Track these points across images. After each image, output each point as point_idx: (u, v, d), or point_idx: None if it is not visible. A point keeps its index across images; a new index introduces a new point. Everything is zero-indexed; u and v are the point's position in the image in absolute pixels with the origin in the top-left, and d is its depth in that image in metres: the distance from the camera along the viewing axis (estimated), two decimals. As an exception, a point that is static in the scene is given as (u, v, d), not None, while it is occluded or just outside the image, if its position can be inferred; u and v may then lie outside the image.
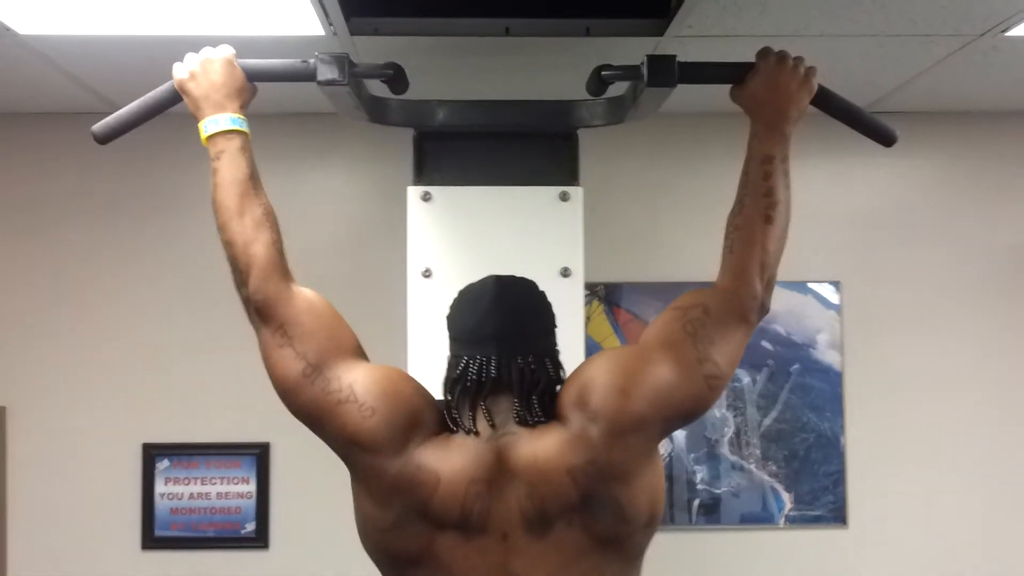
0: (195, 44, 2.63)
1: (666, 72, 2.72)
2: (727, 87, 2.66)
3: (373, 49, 3.61)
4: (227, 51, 2.60)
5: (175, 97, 2.64)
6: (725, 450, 4.88)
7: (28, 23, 3.51)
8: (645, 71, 2.73)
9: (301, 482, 4.68)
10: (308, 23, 3.42)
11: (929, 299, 4.95)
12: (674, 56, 2.73)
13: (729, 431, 4.88)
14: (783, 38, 2.93)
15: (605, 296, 4.83)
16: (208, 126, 2.52)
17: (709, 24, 3.44)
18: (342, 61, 2.71)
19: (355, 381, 2.34)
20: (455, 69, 3.96)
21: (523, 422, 2.30)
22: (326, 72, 2.71)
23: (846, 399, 4.91)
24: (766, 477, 4.88)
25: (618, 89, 3.04)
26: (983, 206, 4.98)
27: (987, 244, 4.96)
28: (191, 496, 4.80)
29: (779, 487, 4.89)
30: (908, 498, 4.91)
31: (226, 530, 4.81)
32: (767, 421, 4.88)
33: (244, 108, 2.59)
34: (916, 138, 4.85)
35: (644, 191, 4.88)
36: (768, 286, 2.46)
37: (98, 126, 2.70)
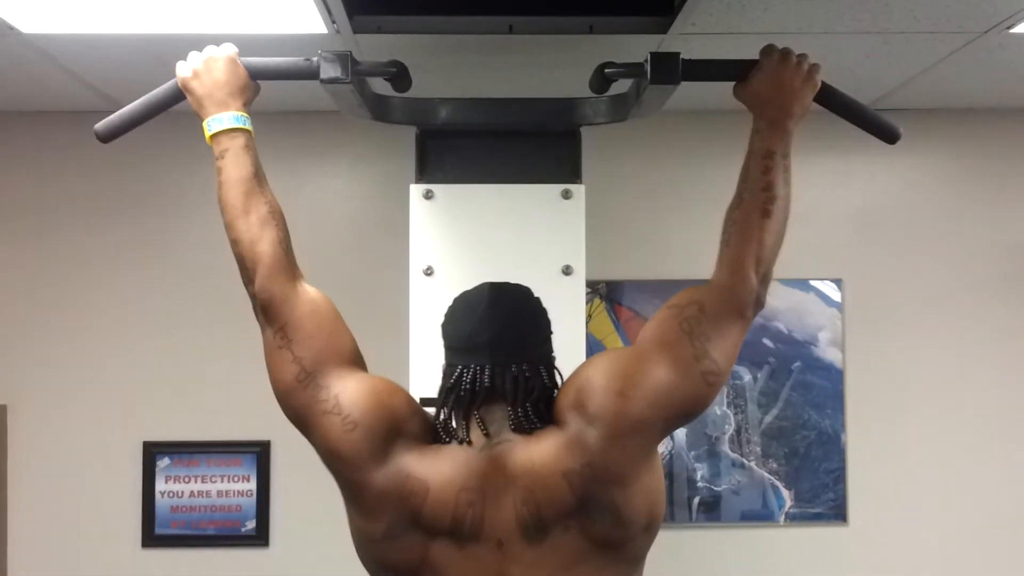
0: (198, 42, 2.63)
1: (669, 69, 2.72)
2: (730, 84, 2.65)
3: (376, 47, 3.61)
4: (230, 49, 2.60)
5: (178, 95, 2.64)
6: (726, 447, 4.88)
7: (31, 22, 3.50)
8: (648, 68, 2.73)
9: (301, 480, 4.67)
10: (311, 21, 3.41)
11: (931, 297, 4.95)
12: (678, 53, 2.72)
13: (730, 428, 4.88)
14: (787, 35, 2.93)
15: (607, 294, 4.83)
16: (212, 124, 2.52)
17: (713, 22, 3.43)
18: (345, 59, 2.71)
19: (341, 392, 2.33)
20: (458, 67, 3.96)
21: (519, 430, 2.30)
22: (329, 70, 2.71)
23: (847, 397, 4.91)
24: (767, 475, 4.88)
25: (621, 87, 3.04)
26: (986, 204, 4.98)
27: (990, 242, 4.97)
28: (191, 494, 4.80)
29: (780, 484, 4.88)
30: (909, 496, 4.91)
31: (226, 528, 4.81)
32: (768, 419, 4.88)
33: (247, 106, 2.59)
34: (920, 135, 4.85)
35: (647, 189, 4.88)
36: (764, 280, 2.45)
37: (101, 124, 2.69)
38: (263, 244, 2.43)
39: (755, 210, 2.44)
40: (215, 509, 4.80)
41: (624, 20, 3.49)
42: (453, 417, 2.34)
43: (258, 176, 2.50)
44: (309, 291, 2.48)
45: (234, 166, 2.48)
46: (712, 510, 4.89)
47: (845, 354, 4.92)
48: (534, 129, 3.33)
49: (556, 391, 2.39)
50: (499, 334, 2.33)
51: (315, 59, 2.71)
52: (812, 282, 4.90)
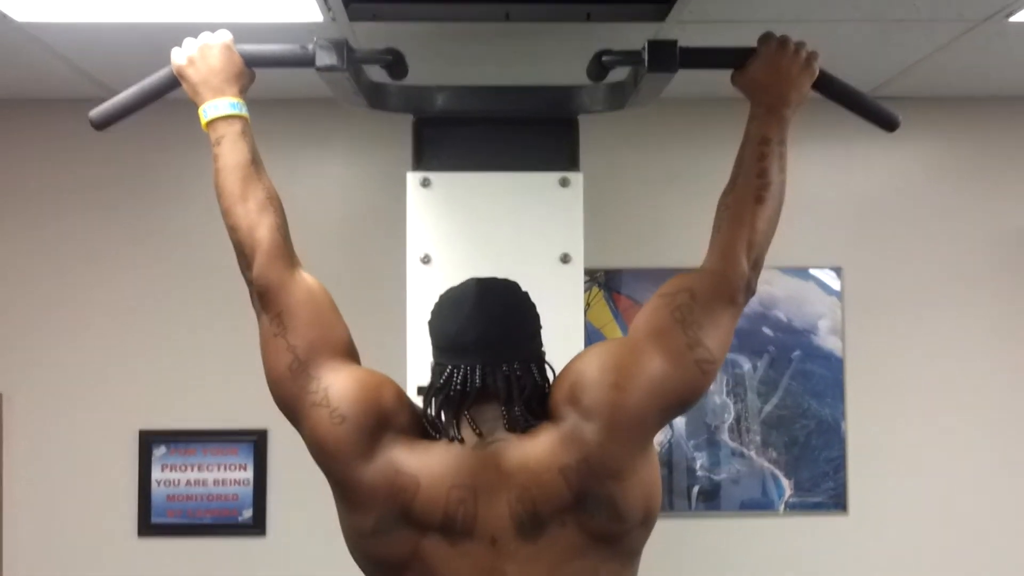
0: (193, 30, 2.62)
1: (667, 57, 2.71)
2: (728, 72, 2.64)
3: (372, 35, 3.60)
4: (225, 36, 2.59)
5: (173, 82, 2.63)
6: (725, 436, 4.87)
7: (25, 10, 3.50)
8: (646, 56, 2.72)
9: (299, 469, 4.58)
10: (307, 9, 3.40)
11: (931, 285, 4.94)
12: (675, 41, 2.71)
13: (729, 417, 4.87)
14: (785, 23, 2.92)
15: (605, 282, 4.82)
16: (208, 111, 2.52)
17: (710, 9, 3.42)
18: (341, 47, 2.70)
19: (331, 385, 2.32)
20: (455, 55, 3.96)
21: (512, 428, 2.27)
22: (325, 58, 2.69)
23: (847, 385, 4.91)
24: (766, 463, 4.88)
25: (619, 75, 3.02)
26: (985, 192, 4.97)
27: (989, 230, 4.95)
28: (188, 483, 4.79)
29: (779, 473, 4.88)
30: (908, 485, 4.91)
31: (223, 517, 4.80)
32: (767, 407, 4.87)
33: (243, 93, 2.59)
34: (918, 123, 4.83)
35: (645, 177, 4.88)
36: (755, 266, 2.43)
37: (95, 112, 2.69)
38: (261, 230, 2.43)
39: (748, 196, 2.43)
40: (212, 498, 4.79)
41: (621, 8, 3.49)
42: (443, 415, 2.32)
43: (255, 162, 2.50)
44: (307, 279, 2.47)
45: (231, 152, 2.48)
46: (711, 499, 4.88)
47: (845, 343, 4.91)
48: (532, 117, 3.32)
49: (548, 386, 2.37)
50: (488, 333, 2.30)
51: (311, 47, 2.70)
52: (812, 271, 4.89)
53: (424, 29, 3.65)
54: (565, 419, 2.26)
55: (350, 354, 2.45)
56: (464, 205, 3.24)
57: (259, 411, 4.60)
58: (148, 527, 4.80)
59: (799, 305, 4.88)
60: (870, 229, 4.94)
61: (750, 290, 2.44)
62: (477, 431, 2.27)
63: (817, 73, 2.59)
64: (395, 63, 2.87)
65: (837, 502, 4.89)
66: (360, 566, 2.42)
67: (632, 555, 2.39)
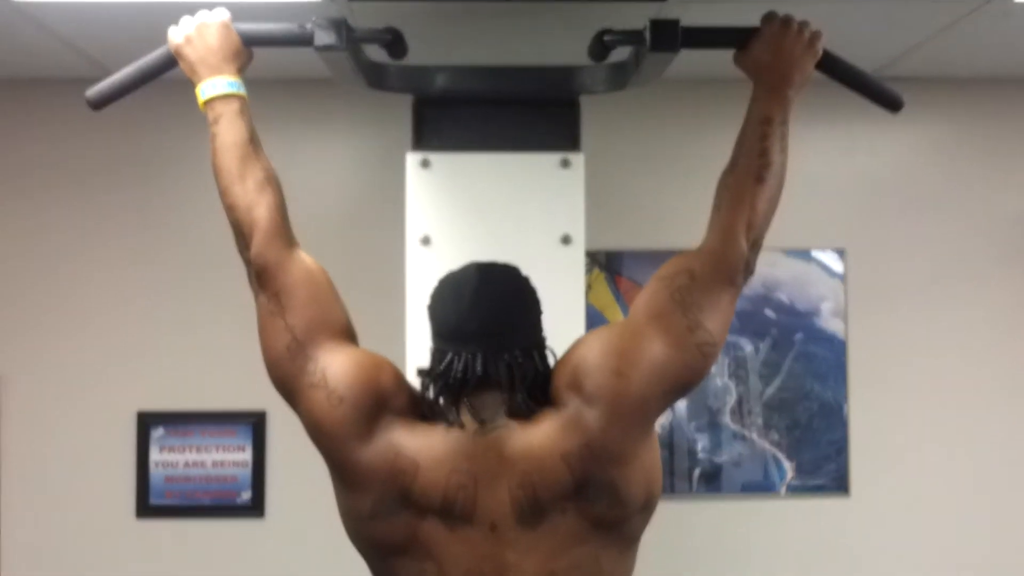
0: (190, 8, 2.60)
1: (669, 37, 2.69)
2: (731, 52, 2.63)
3: (371, 13, 3.57)
4: (223, 15, 2.58)
5: (170, 61, 2.62)
6: (727, 419, 4.87)
7: (20, -13, 3.48)
8: (648, 36, 2.70)
9: (297, 451, 4.56)
10: (305, -13, 3.38)
11: (935, 268, 4.93)
12: (677, 20, 2.69)
13: (731, 400, 4.87)
14: (788, 2, 2.88)
15: (606, 264, 4.81)
16: (205, 90, 2.51)
17: (713, -12, 3.41)
18: (340, 26, 2.68)
19: (328, 366, 2.32)
20: (454, 34, 3.94)
21: (514, 415, 2.28)
22: (324, 37, 2.67)
23: (850, 368, 4.90)
24: (768, 446, 4.87)
25: (620, 55, 3.01)
26: (990, 174, 4.96)
27: (994, 212, 4.94)
28: (186, 464, 4.79)
29: (781, 456, 4.87)
30: (911, 467, 4.91)
31: (222, 499, 4.80)
32: (770, 390, 4.86)
33: (241, 72, 2.58)
34: (923, 104, 4.81)
35: (646, 158, 4.87)
36: (754, 247, 2.44)
37: (92, 91, 2.67)
38: (260, 209, 2.43)
39: (749, 176, 2.43)
40: (210, 480, 4.79)
41: (624, -14, 3.47)
42: (442, 401, 2.31)
43: (253, 141, 2.49)
44: (305, 259, 2.46)
45: (229, 131, 2.47)
46: (713, 481, 4.88)
47: (847, 325, 4.90)
48: (532, 97, 3.30)
49: (550, 372, 2.36)
50: (489, 321, 2.31)
51: (309, 25, 2.68)
52: (814, 252, 4.88)
53: (424, 8, 3.63)
54: (567, 405, 2.26)
55: (348, 335, 2.45)
56: (464, 186, 3.22)
57: (258, 392, 4.54)
58: (146, 509, 4.79)
59: (802, 287, 4.87)
60: (874, 211, 4.93)
61: (749, 270, 2.45)
62: (479, 418, 2.27)
63: (821, 53, 2.58)
64: (394, 42, 2.85)
65: (839, 485, 4.89)
66: (358, 549, 2.43)
67: (631, 541, 2.40)
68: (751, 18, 2.59)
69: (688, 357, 2.31)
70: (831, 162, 4.93)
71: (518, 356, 2.30)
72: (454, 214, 3.21)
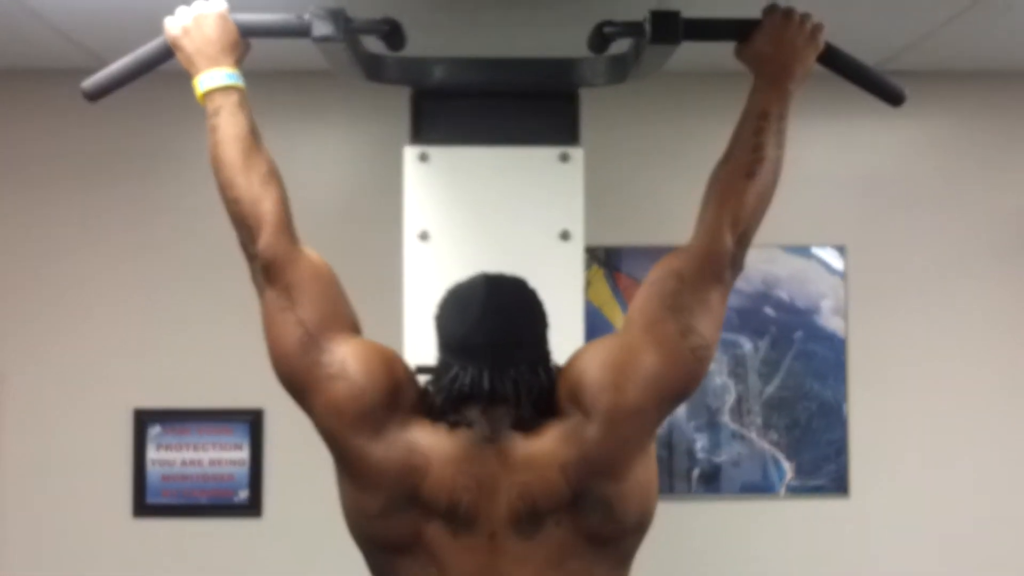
0: (186, -1, 2.59)
1: (670, 28, 2.68)
2: (732, 45, 2.62)
3: (369, 4, 3.53)
4: (220, 5, 2.57)
5: (167, 53, 2.62)
6: (726, 418, 4.86)
7: (16, -22, 3.46)
8: (648, 28, 2.69)
9: (295, 449, 4.62)
10: (303, -22, 3.36)
11: (935, 265, 4.92)
12: (678, 12, 2.68)
13: (730, 399, 4.86)
14: (790, -5, 2.89)
15: (605, 260, 4.80)
16: (204, 82, 2.50)
17: (715, -20, 3.39)
18: (338, 17, 2.67)
19: (348, 357, 2.32)
20: (453, 26, 3.93)
21: (519, 427, 2.28)
22: (321, 28, 2.66)
23: (849, 367, 4.88)
24: (767, 446, 4.86)
25: (620, 47, 2.99)
26: (993, 169, 4.95)
27: (996, 209, 4.93)
28: (183, 463, 4.77)
29: (780, 456, 4.86)
30: (910, 468, 4.90)
31: (219, 497, 4.79)
32: (769, 389, 4.85)
33: (239, 64, 2.57)
34: (925, 98, 4.78)
35: (646, 152, 4.85)
36: (741, 242, 2.42)
37: (88, 82, 2.67)
38: (266, 203, 2.42)
39: (739, 170, 2.42)
40: (207, 478, 4.78)
41: (624, -23, 3.45)
42: (448, 409, 2.31)
43: (255, 134, 2.48)
44: (311, 253, 2.46)
45: (230, 124, 2.46)
46: (712, 482, 4.86)
47: (848, 323, 4.88)
48: (532, 90, 3.29)
49: (553, 385, 2.36)
50: (496, 336, 2.31)
51: (307, 16, 2.67)
52: (814, 249, 4.86)
53: (422, -1, 3.62)
54: (569, 417, 2.28)
55: (356, 328, 2.46)
56: (463, 180, 3.21)
57: (255, 390, 4.60)
58: (143, 507, 4.78)
59: (801, 284, 4.85)
60: (874, 207, 4.92)
61: (737, 266, 2.44)
62: (485, 428, 2.28)
63: (822, 46, 2.58)
64: (393, 34, 2.84)
65: (838, 485, 4.87)
66: (360, 546, 2.43)
67: (624, 559, 2.42)
68: (752, 10, 2.58)
69: (682, 364, 2.31)
70: (831, 157, 4.92)
71: (524, 371, 2.30)
72: (452, 208, 3.20)
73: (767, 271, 4.81)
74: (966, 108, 4.95)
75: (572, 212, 3.20)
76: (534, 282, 2.41)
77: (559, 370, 2.38)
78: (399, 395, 2.31)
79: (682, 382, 2.33)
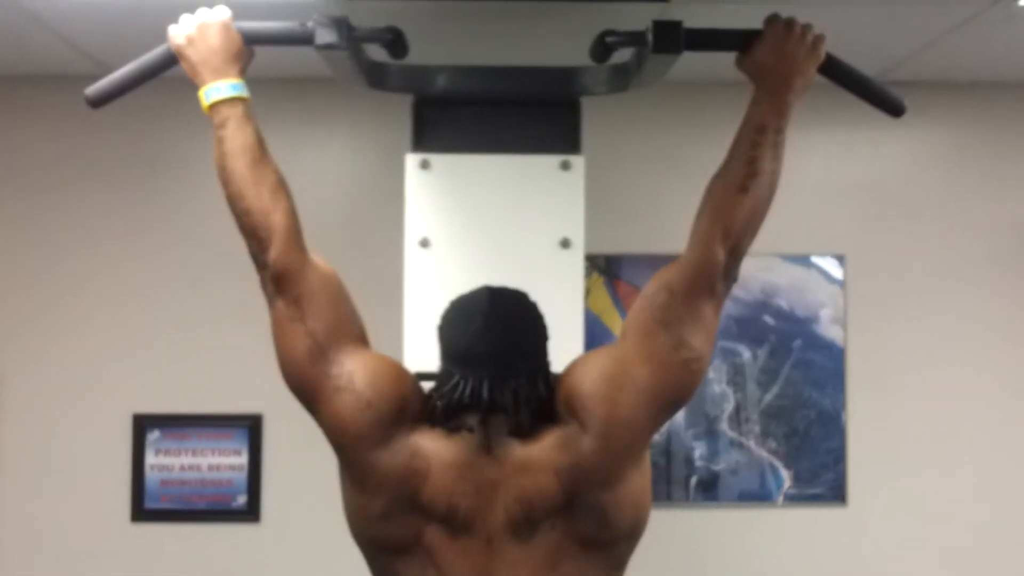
0: (190, 6, 2.58)
1: (671, 38, 2.68)
2: (733, 55, 2.62)
3: (372, 13, 3.55)
4: (223, 14, 2.56)
5: (171, 60, 2.61)
6: (724, 426, 4.86)
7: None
8: (650, 37, 2.69)
9: (294, 455, 4.65)
10: (306, -14, 3.37)
11: (935, 275, 4.93)
12: (680, 22, 2.68)
13: (729, 407, 4.86)
14: (792, 4, 2.87)
15: (605, 268, 4.80)
16: (210, 94, 2.49)
17: (716, -10, 3.40)
18: (341, 25, 2.66)
19: (355, 370, 2.34)
20: (456, 34, 3.94)
21: (516, 435, 2.30)
22: (324, 36, 2.66)
23: (848, 375, 4.89)
24: (765, 454, 4.86)
25: (622, 56, 2.99)
26: (992, 180, 4.96)
27: (995, 218, 4.94)
28: (182, 468, 4.78)
29: (778, 464, 4.87)
30: (909, 477, 4.90)
31: (217, 503, 4.80)
32: (768, 397, 4.85)
33: (243, 73, 2.57)
34: (926, 109, 4.80)
35: (647, 161, 4.86)
36: (733, 254, 2.42)
37: (91, 89, 2.66)
38: (277, 214, 2.42)
39: (733, 184, 2.42)
40: (206, 483, 4.78)
41: (626, -13, 3.47)
42: (449, 416, 2.33)
43: (262, 145, 2.48)
44: (321, 264, 2.47)
45: (237, 135, 2.45)
46: (710, 490, 4.87)
47: (847, 332, 4.89)
48: (533, 98, 3.29)
49: (553, 393, 2.38)
50: (498, 348, 2.32)
51: (310, 24, 2.66)
52: (814, 258, 4.87)
53: (425, 8, 3.64)
54: (565, 425, 2.31)
55: (365, 340, 2.48)
56: (464, 188, 3.22)
57: (254, 396, 4.61)
58: (141, 512, 4.79)
59: (801, 293, 4.86)
60: (874, 217, 4.93)
61: (729, 278, 2.44)
62: (482, 436, 2.30)
63: (823, 57, 2.57)
64: (395, 42, 2.84)
65: (836, 494, 4.88)
66: (360, 547, 2.45)
67: (618, 564, 2.44)
68: (754, 20, 2.58)
69: (674, 377, 2.33)
70: (832, 167, 4.93)
71: (523, 382, 2.32)
72: (453, 216, 3.20)
73: (766, 280, 4.82)
74: (965, 119, 4.96)
75: (572, 220, 3.20)
76: (534, 290, 2.42)
77: (557, 378, 2.39)
78: (404, 408, 2.32)
79: (675, 394, 2.36)
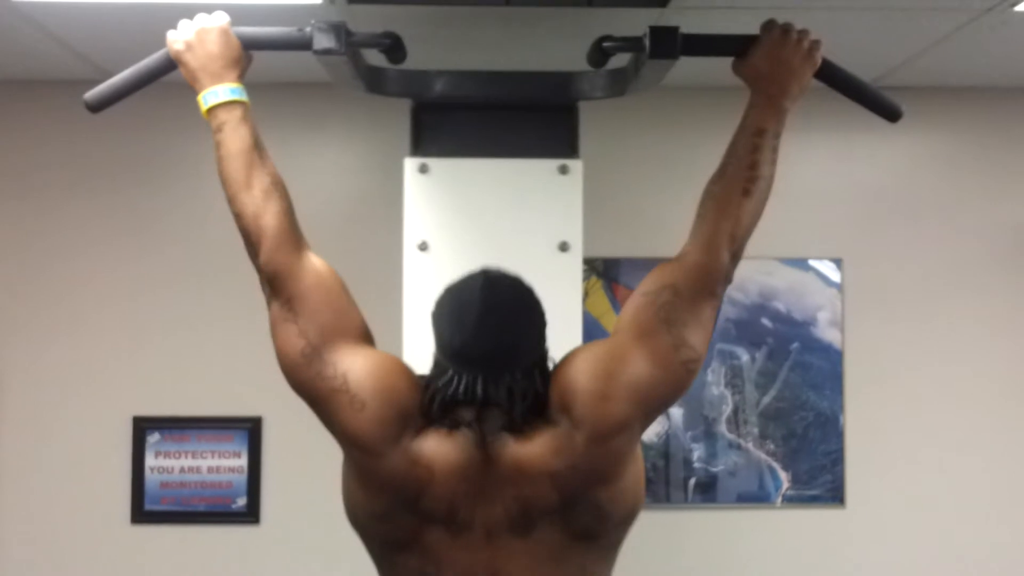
0: (189, 11, 2.60)
1: (668, 44, 2.69)
2: (730, 60, 2.63)
3: (370, 18, 3.57)
4: (222, 19, 2.57)
5: (169, 65, 2.62)
6: (723, 428, 4.86)
7: (20, -11, 3.47)
8: (647, 43, 2.70)
9: (293, 457, 4.66)
10: (305, -9, 3.38)
11: (932, 278, 4.93)
12: (677, 28, 2.69)
13: (727, 409, 4.87)
14: (788, 10, 2.88)
15: (603, 271, 4.81)
16: (208, 98, 2.51)
17: (713, -5, 3.41)
18: (339, 30, 2.67)
19: (349, 370, 2.33)
20: (454, 39, 3.93)
21: (510, 430, 2.28)
22: (323, 41, 2.67)
23: (846, 378, 4.90)
24: (764, 456, 4.87)
25: (620, 61, 3.00)
26: (988, 184, 4.96)
27: (992, 223, 4.95)
28: (182, 470, 4.78)
29: (776, 466, 4.87)
30: (907, 478, 4.90)
31: (217, 505, 4.80)
32: (766, 399, 4.86)
33: (242, 77, 2.58)
34: (922, 114, 4.79)
35: (644, 165, 4.87)
36: (734, 258, 2.46)
37: (91, 94, 2.67)
38: (267, 216, 2.43)
39: (736, 188, 2.45)
40: (205, 485, 4.78)
41: (623, -7, 3.47)
42: (444, 412, 2.31)
43: (258, 148, 2.49)
44: (316, 263, 2.48)
45: (232, 139, 2.47)
46: (708, 491, 4.87)
47: (844, 335, 4.89)
48: (531, 103, 3.29)
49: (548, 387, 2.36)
50: (493, 346, 2.29)
51: (308, 29, 2.67)
52: (811, 262, 4.87)
53: (423, 13, 3.63)
54: (558, 424, 2.29)
55: (365, 337, 2.47)
56: (462, 192, 3.21)
57: (254, 398, 4.61)
58: (141, 514, 4.79)
59: (799, 296, 4.87)
60: (871, 220, 4.93)
61: (728, 281, 2.48)
62: (480, 430, 2.28)
63: (820, 62, 2.59)
64: (394, 47, 2.85)
65: (834, 495, 4.88)
66: (360, 536, 2.46)
67: (614, 546, 2.46)
68: (751, 26, 2.59)
69: (673, 376, 2.35)
70: (829, 171, 4.93)
71: (519, 377, 2.30)
72: (452, 220, 3.20)
73: (764, 283, 4.83)
74: (961, 123, 4.96)
75: (571, 223, 3.19)
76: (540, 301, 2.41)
77: (552, 373, 2.38)
78: (404, 407, 2.31)
79: (671, 392, 2.40)
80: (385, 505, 2.31)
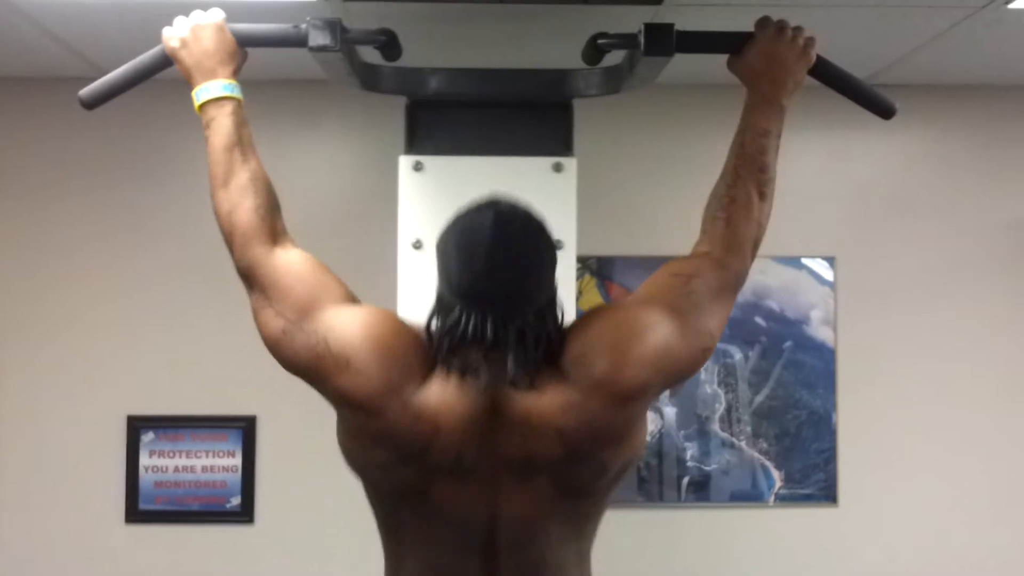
0: (184, 7, 2.60)
1: (663, 41, 2.70)
2: (725, 57, 2.64)
3: (366, 15, 3.57)
4: (217, 16, 2.58)
5: (165, 62, 2.63)
6: (716, 427, 4.87)
7: (14, -14, 3.47)
8: (642, 40, 2.71)
9: (287, 456, 4.65)
10: (300, -12, 3.38)
11: (925, 276, 4.94)
12: (672, 25, 2.71)
13: (720, 408, 4.87)
14: (783, 7, 2.89)
15: (597, 269, 4.81)
16: (200, 94, 2.52)
17: (708, -8, 3.41)
18: (334, 27, 2.68)
19: (329, 332, 2.29)
20: (449, 37, 3.93)
21: (520, 377, 2.23)
22: (318, 38, 2.68)
23: (839, 376, 4.90)
24: (757, 455, 4.87)
25: (615, 58, 3.01)
26: (982, 182, 4.96)
27: (986, 220, 4.95)
28: (176, 469, 4.78)
29: (769, 465, 4.87)
30: (900, 477, 4.90)
31: (211, 504, 4.79)
32: (759, 398, 4.86)
33: (236, 74, 2.58)
34: (916, 111, 4.76)
35: (639, 163, 4.87)
36: (753, 259, 2.52)
37: (85, 91, 2.68)
38: (239, 212, 2.44)
39: (753, 191, 2.48)
40: (200, 485, 4.78)
41: (618, -10, 3.47)
42: (453, 353, 2.25)
43: (242, 144, 2.50)
44: (287, 253, 2.47)
45: (217, 135, 2.49)
46: (701, 490, 4.87)
47: (837, 333, 4.90)
48: (526, 101, 3.30)
49: (560, 335, 2.33)
50: (503, 288, 2.24)
51: (304, 26, 2.68)
52: (804, 260, 4.88)
53: (419, 10, 3.63)
54: (572, 381, 2.25)
55: (346, 300, 2.42)
56: (457, 189, 3.17)
57: (248, 398, 4.61)
58: (135, 513, 4.78)
59: (792, 295, 4.87)
60: (865, 219, 4.94)
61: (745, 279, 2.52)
62: (487, 375, 2.24)
63: (814, 59, 2.61)
64: (389, 44, 2.85)
65: (827, 494, 4.89)
66: (357, 476, 2.40)
67: (609, 492, 2.44)
68: (746, 23, 2.60)
69: (691, 357, 2.39)
70: (822, 169, 4.94)
71: (530, 320, 2.26)
72: (446, 217, 3.20)
73: (758, 281, 4.82)
74: (955, 121, 4.97)
75: (565, 221, 3.20)
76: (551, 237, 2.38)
77: (568, 328, 2.35)
78: (394, 358, 2.25)
79: (686, 370, 2.44)
80: (387, 458, 2.27)
